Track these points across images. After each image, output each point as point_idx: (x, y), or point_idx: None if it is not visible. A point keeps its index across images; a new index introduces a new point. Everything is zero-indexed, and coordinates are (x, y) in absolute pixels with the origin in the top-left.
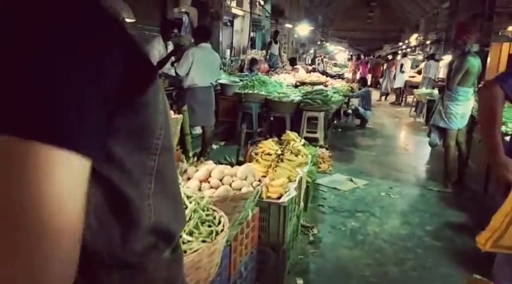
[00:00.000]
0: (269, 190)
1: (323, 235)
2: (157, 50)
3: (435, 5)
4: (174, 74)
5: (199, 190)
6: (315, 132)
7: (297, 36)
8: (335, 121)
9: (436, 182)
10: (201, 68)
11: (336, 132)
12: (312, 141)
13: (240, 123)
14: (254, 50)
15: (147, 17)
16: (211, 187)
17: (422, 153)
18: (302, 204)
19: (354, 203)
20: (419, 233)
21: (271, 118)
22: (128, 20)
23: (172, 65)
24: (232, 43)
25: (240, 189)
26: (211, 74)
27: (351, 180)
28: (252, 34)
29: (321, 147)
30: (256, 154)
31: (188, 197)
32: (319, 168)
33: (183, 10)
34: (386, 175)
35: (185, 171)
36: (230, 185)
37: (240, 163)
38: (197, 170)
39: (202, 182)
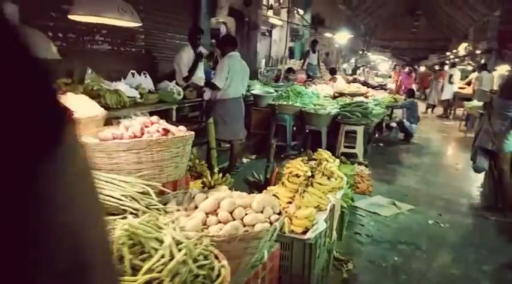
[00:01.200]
0: (293, 222)
1: (359, 272)
2: (186, 59)
3: (484, 12)
4: (202, 84)
5: (205, 224)
6: (353, 147)
7: (338, 45)
8: (376, 135)
9: (493, 209)
10: (234, 78)
11: (377, 147)
12: (349, 157)
13: (272, 136)
14: (292, 60)
15: (178, 26)
16: (219, 222)
17: (475, 174)
18: (335, 234)
19: (396, 232)
20: (476, 274)
21: (306, 132)
22: (135, 24)
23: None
24: (270, 53)
25: (254, 226)
26: (243, 84)
27: (394, 204)
28: (290, 44)
29: (359, 164)
30: (283, 175)
31: (178, 243)
32: (357, 188)
33: (221, 20)
34: (434, 200)
35: (193, 197)
36: (242, 219)
37: (267, 183)
38: (206, 197)
39: (209, 214)
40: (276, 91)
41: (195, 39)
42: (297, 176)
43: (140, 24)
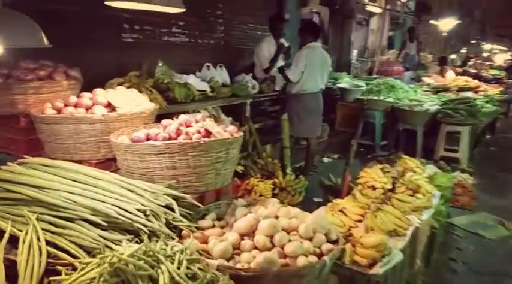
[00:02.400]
0: (357, 250)
1: None
2: (267, 50)
3: None
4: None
5: (237, 248)
6: (456, 151)
7: (445, 34)
8: (487, 136)
9: None
10: (313, 72)
11: (488, 151)
12: (450, 162)
13: (358, 134)
14: (392, 50)
15: (261, 16)
16: (255, 248)
17: None
18: (418, 262)
19: (503, 261)
20: None
21: (399, 130)
22: (177, 10)
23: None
24: (365, 43)
25: (297, 258)
26: (322, 78)
27: (503, 224)
28: (390, 33)
29: (462, 171)
30: (356, 184)
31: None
32: (457, 201)
33: (314, 10)
34: None
35: (234, 211)
36: (283, 247)
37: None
38: (249, 213)
39: (244, 237)
40: (367, 84)
41: (276, 29)
42: (373, 188)
43: (184, 10)
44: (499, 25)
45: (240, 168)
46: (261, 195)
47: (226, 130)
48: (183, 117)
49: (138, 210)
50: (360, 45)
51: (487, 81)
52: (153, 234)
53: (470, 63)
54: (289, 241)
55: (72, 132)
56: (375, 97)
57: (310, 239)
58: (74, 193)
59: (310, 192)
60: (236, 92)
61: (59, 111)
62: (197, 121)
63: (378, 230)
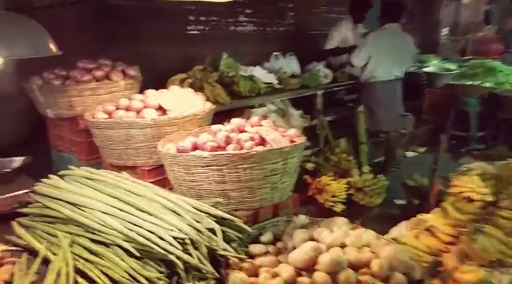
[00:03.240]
0: None
1: None
2: (343, 34)
3: None
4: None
5: None
6: None
7: None
8: None
9: None
10: (383, 57)
11: None
12: None
13: (449, 124)
14: (489, 26)
15: None
16: None
17: None
18: None
19: None
20: None
21: (499, 120)
22: None
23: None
24: (457, 20)
25: None
26: (398, 64)
27: None
28: (486, 6)
29: None
30: (447, 194)
31: None
32: None
33: None
34: None
35: (293, 231)
36: None
37: (427, 198)
38: (308, 239)
39: (301, 272)
40: (459, 67)
41: (359, 14)
42: (469, 200)
43: None
44: None
45: (310, 165)
46: (333, 196)
47: (286, 135)
48: (235, 122)
49: (175, 238)
50: (450, 22)
51: None
52: (191, 267)
53: None
54: (358, 282)
55: (122, 137)
56: (470, 82)
57: (386, 280)
58: (108, 214)
59: (391, 192)
60: (306, 83)
61: (110, 114)
62: (252, 126)
63: (477, 258)
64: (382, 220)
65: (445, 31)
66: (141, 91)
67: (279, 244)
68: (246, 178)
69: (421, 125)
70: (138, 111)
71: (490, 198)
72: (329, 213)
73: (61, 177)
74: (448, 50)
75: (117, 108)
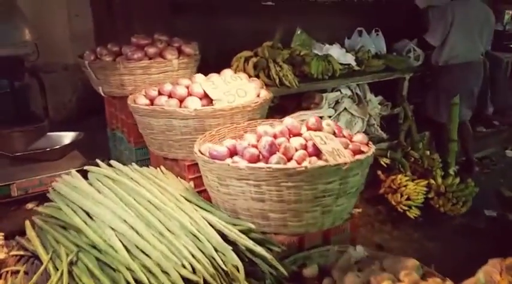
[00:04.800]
0: None
1: None
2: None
3: None
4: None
5: None
6: None
7: None
8: None
9: None
10: (462, 34)
11: None
12: None
13: None
14: None
15: None
16: None
17: None
18: None
19: None
20: None
21: None
22: None
23: None
24: None
25: None
26: (482, 40)
27: None
28: None
29: None
30: None
31: None
32: None
33: None
34: None
35: (345, 271)
36: None
37: None
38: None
39: None
40: None
41: None
42: None
43: None
44: None
45: (385, 161)
46: (408, 198)
47: (352, 142)
48: (288, 122)
49: (183, 278)
50: None
51: None
52: None
53: None
54: None
55: (163, 127)
56: None
57: None
58: (117, 232)
59: (480, 199)
60: (391, 65)
61: (151, 100)
62: (309, 128)
63: None
64: (465, 234)
65: None
66: (200, 71)
67: (326, 282)
68: (290, 198)
69: None
70: (182, 99)
71: None
72: (401, 217)
73: (86, 172)
74: None
75: (160, 94)
